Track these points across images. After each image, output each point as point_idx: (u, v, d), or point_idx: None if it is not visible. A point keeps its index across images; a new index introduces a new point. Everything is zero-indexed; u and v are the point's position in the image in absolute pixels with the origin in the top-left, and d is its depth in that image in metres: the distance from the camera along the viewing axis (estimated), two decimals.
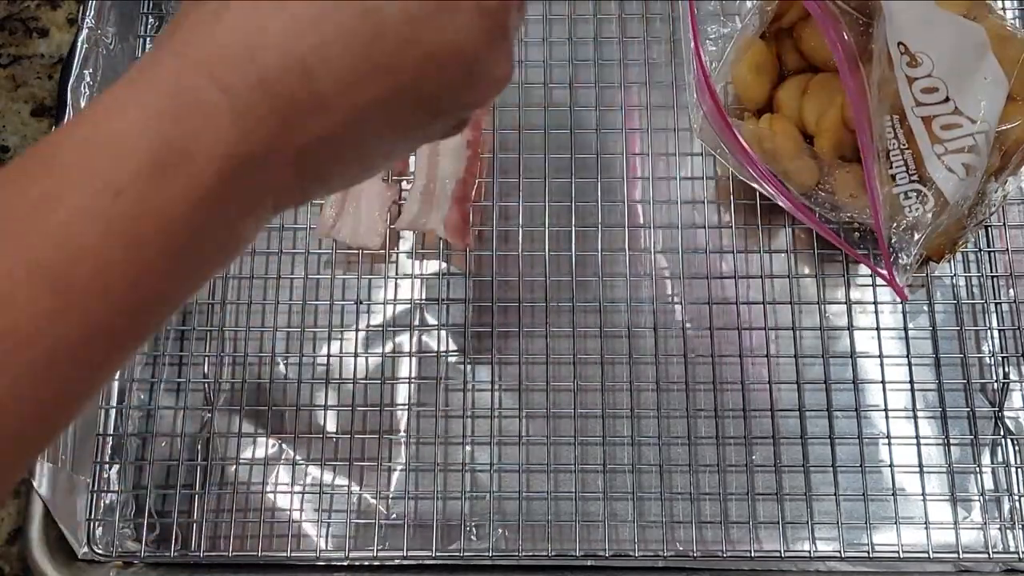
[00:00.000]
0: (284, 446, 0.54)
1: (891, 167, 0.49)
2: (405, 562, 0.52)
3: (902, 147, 0.49)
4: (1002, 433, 0.53)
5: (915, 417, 0.53)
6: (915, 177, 0.49)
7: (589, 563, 0.51)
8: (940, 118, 0.49)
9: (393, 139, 0.30)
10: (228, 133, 0.26)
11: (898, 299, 0.53)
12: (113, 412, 0.54)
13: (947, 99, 0.49)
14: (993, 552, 0.51)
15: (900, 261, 0.49)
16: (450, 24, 0.28)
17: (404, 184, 0.57)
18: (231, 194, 0.27)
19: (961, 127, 0.49)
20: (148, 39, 0.61)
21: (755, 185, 0.53)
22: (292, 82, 0.26)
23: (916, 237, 0.49)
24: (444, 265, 0.56)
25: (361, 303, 0.56)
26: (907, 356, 0.54)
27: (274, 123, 0.27)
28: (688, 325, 0.55)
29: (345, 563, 0.52)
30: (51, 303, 0.24)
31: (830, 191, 0.51)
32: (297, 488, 0.53)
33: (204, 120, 0.26)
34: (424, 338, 0.55)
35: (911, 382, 0.53)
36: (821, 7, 0.49)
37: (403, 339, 0.55)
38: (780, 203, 0.52)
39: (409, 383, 0.55)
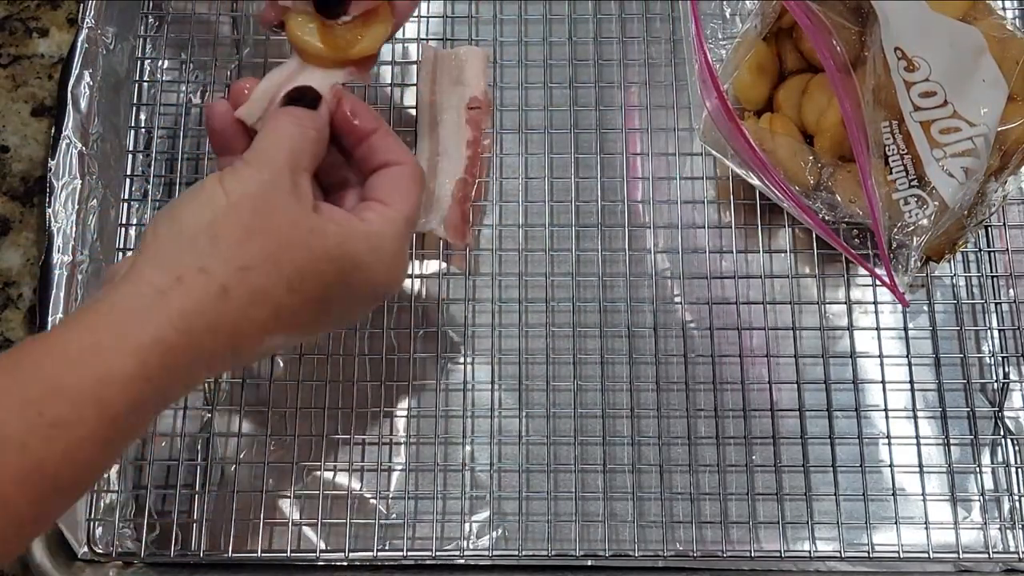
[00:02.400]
0: (284, 446, 0.54)
1: (890, 172, 0.49)
2: (405, 562, 0.52)
3: (901, 152, 0.49)
4: (1002, 433, 0.53)
5: (915, 417, 0.53)
6: (915, 182, 0.49)
7: (589, 563, 0.51)
8: (939, 122, 0.49)
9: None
10: (197, 381, 0.39)
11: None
12: None
13: (945, 103, 0.49)
14: (993, 552, 0.51)
15: (900, 266, 0.49)
16: (363, 307, 0.45)
17: None
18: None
19: (960, 131, 0.49)
20: (148, 39, 0.61)
21: (756, 183, 0.53)
22: (250, 351, 0.39)
23: (916, 242, 0.49)
24: (444, 265, 0.56)
25: None
26: (907, 356, 0.54)
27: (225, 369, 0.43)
28: (688, 325, 0.55)
29: (345, 563, 0.52)
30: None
31: (830, 191, 0.51)
32: (297, 488, 0.53)
33: (184, 375, 0.37)
34: (424, 338, 0.55)
35: (911, 382, 0.53)
36: (811, 18, 0.49)
37: (403, 339, 0.55)
38: (785, 206, 0.52)
39: (409, 383, 0.55)
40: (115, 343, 0.34)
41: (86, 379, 0.33)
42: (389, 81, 0.60)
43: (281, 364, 0.55)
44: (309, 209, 0.39)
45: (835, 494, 0.52)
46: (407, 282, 0.56)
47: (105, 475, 0.53)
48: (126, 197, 0.58)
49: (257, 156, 0.39)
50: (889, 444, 0.53)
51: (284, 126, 0.41)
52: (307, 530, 0.53)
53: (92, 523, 0.52)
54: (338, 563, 0.52)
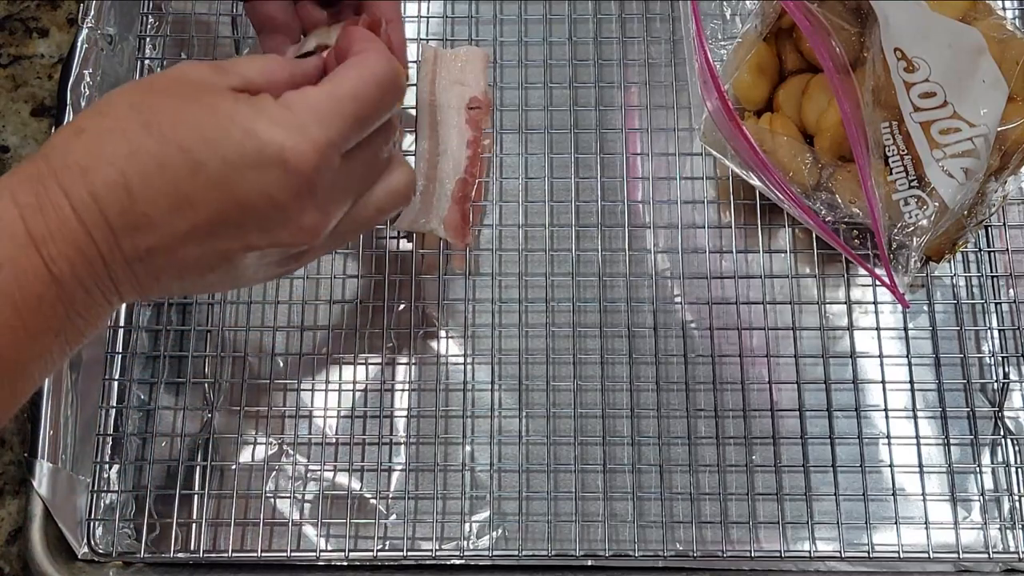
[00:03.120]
0: (284, 446, 0.54)
1: (890, 173, 0.49)
2: (405, 562, 0.52)
3: (901, 152, 0.49)
4: (1002, 433, 0.53)
5: (915, 417, 0.53)
6: (914, 182, 0.49)
7: (589, 563, 0.51)
8: (938, 123, 0.49)
9: (219, 263, 0.37)
10: (76, 232, 0.33)
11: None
12: (113, 412, 0.54)
13: (945, 103, 0.49)
14: (993, 552, 0.51)
15: (900, 267, 0.49)
16: (257, 177, 0.35)
17: None
18: (78, 280, 0.34)
19: (960, 131, 0.49)
20: (148, 39, 0.61)
21: (756, 183, 0.53)
22: (119, 199, 0.34)
23: (916, 242, 0.49)
24: (444, 265, 0.56)
25: (361, 303, 0.56)
26: (907, 356, 0.54)
27: (106, 231, 0.34)
28: (688, 325, 0.55)
29: (345, 563, 0.52)
30: None
31: (830, 191, 0.51)
32: (297, 488, 0.53)
33: (57, 219, 0.33)
34: (424, 338, 0.55)
35: (911, 382, 0.53)
36: (810, 19, 0.49)
37: (403, 339, 0.55)
38: (785, 206, 0.52)
39: (409, 383, 0.55)
40: None
41: None
42: None
43: (281, 364, 0.55)
44: (217, 84, 0.36)
45: (835, 494, 0.52)
46: (407, 283, 0.56)
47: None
48: None
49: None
50: (889, 444, 0.53)
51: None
52: (307, 530, 0.53)
53: (92, 523, 0.52)
54: (338, 563, 0.52)
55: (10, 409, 0.35)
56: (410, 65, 0.60)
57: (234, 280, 0.39)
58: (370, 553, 0.52)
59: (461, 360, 0.55)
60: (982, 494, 0.52)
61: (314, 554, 0.52)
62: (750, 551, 0.51)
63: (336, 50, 0.41)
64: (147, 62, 0.60)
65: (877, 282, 0.54)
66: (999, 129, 0.49)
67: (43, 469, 0.51)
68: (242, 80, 0.37)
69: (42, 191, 0.33)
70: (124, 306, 0.56)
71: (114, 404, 0.54)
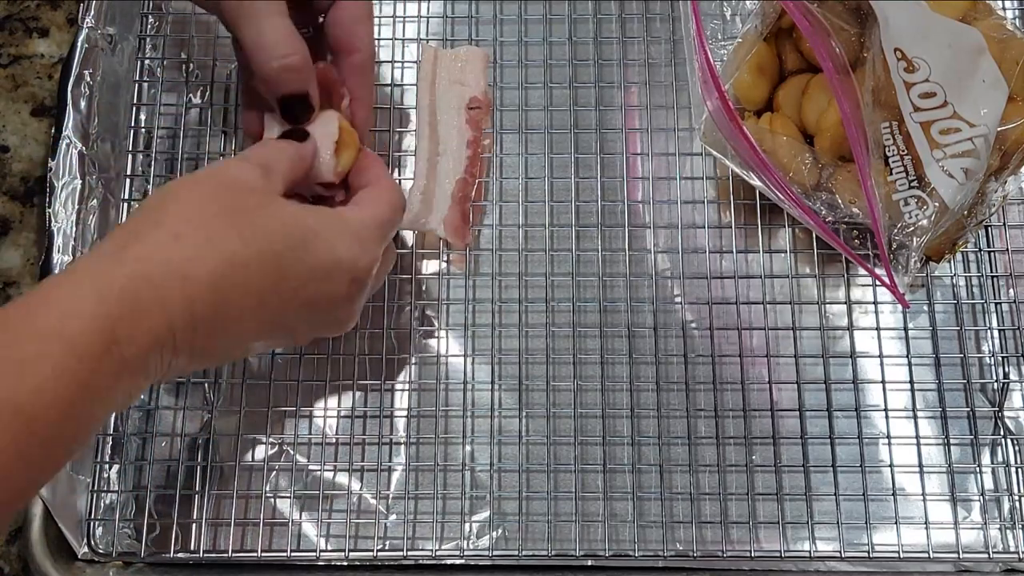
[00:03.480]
0: (284, 446, 0.54)
1: (890, 173, 0.49)
2: (405, 562, 0.52)
3: (901, 153, 0.49)
4: (1002, 433, 0.53)
5: (915, 417, 0.53)
6: (914, 183, 0.49)
7: (589, 563, 0.51)
8: (938, 123, 0.49)
9: (264, 347, 0.48)
10: (158, 330, 0.36)
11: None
12: (113, 413, 0.54)
13: (945, 103, 0.49)
14: (993, 552, 0.51)
15: (900, 267, 0.49)
16: (329, 284, 0.42)
17: (405, 184, 0.57)
18: (141, 362, 0.36)
19: (960, 131, 0.49)
20: (148, 39, 0.61)
21: (756, 183, 0.53)
22: (212, 302, 0.38)
23: (916, 243, 0.49)
24: (444, 265, 0.56)
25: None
26: (907, 356, 0.54)
27: (190, 331, 0.37)
28: (688, 325, 0.55)
29: (345, 563, 0.52)
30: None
31: (830, 191, 0.51)
32: (297, 488, 0.53)
33: (142, 318, 0.36)
34: (424, 338, 0.55)
35: (911, 382, 0.53)
36: (809, 20, 0.49)
37: (403, 339, 0.55)
38: (785, 207, 0.52)
39: (408, 383, 0.55)
40: (75, 286, 0.36)
41: (51, 316, 0.34)
42: (389, 81, 0.60)
43: (281, 364, 0.55)
44: (273, 190, 0.42)
45: (835, 494, 0.52)
46: (407, 283, 0.56)
47: (101, 467, 0.53)
48: (126, 197, 0.58)
49: (242, 155, 0.45)
50: (889, 444, 0.53)
51: (271, 142, 0.47)
52: (307, 530, 0.53)
53: (92, 523, 0.52)
54: (338, 563, 0.52)
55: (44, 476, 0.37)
56: (409, 65, 0.60)
57: (258, 352, 0.50)
58: (370, 553, 0.52)
59: (461, 360, 0.55)
60: (982, 494, 0.52)
61: (314, 554, 0.52)
62: (750, 551, 0.51)
63: (353, 172, 0.48)
64: (147, 62, 0.60)
65: (877, 282, 0.54)
66: (999, 129, 0.49)
67: None
68: (283, 184, 0.43)
69: (131, 290, 0.36)
70: None
71: None
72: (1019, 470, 0.53)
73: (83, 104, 0.57)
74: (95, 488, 0.53)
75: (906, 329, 0.55)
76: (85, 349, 0.34)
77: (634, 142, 0.58)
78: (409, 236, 0.57)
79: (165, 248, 0.37)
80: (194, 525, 0.52)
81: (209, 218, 0.39)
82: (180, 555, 0.52)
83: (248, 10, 0.46)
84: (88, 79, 0.57)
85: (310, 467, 0.53)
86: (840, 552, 0.51)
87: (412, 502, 0.53)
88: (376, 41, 0.52)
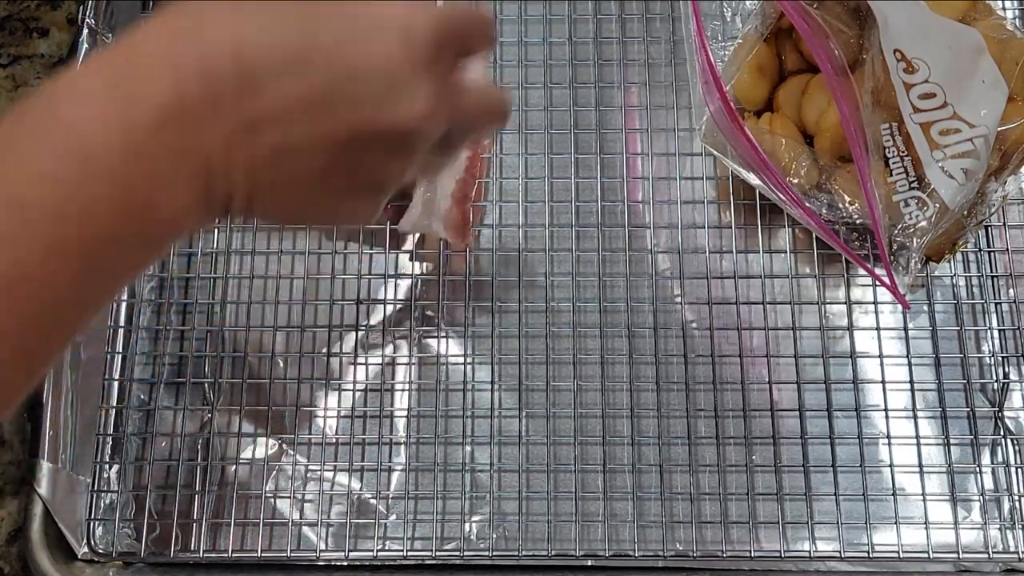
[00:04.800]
0: (284, 446, 0.54)
1: (890, 174, 0.49)
2: (405, 562, 0.52)
3: (901, 154, 0.49)
4: (1002, 433, 0.53)
5: (915, 417, 0.53)
6: (914, 183, 0.49)
7: (589, 563, 0.51)
8: (938, 123, 0.49)
9: (325, 160, 0.32)
10: (167, 89, 0.29)
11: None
12: (113, 412, 0.54)
13: (945, 104, 0.49)
14: (993, 552, 0.51)
15: (900, 267, 0.49)
16: (372, 45, 0.31)
17: None
18: (164, 141, 0.29)
19: (960, 132, 0.49)
20: None
21: (756, 183, 0.53)
22: (230, 57, 0.29)
23: (916, 243, 0.49)
24: (444, 265, 0.56)
25: (361, 303, 0.56)
26: (907, 356, 0.54)
27: (211, 93, 0.29)
28: (688, 325, 0.55)
29: (345, 563, 0.52)
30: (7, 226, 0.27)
31: (830, 191, 0.51)
32: (297, 488, 0.53)
33: (148, 77, 0.29)
34: (424, 338, 0.55)
35: (911, 382, 0.53)
36: (808, 21, 0.49)
37: (403, 339, 0.55)
38: (786, 207, 0.52)
39: (408, 383, 0.55)
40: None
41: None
42: None
43: (281, 364, 0.55)
44: None
45: (835, 494, 0.52)
46: (407, 282, 0.56)
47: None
48: None
49: None
50: (889, 444, 0.53)
51: None
52: (307, 530, 0.53)
53: (92, 523, 0.52)
54: (338, 563, 0.52)
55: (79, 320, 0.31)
56: None
57: (325, 201, 0.35)
58: (370, 553, 0.52)
59: (461, 360, 0.55)
60: (982, 494, 0.52)
61: (314, 554, 0.52)
62: (750, 551, 0.51)
63: None
64: None
65: (877, 282, 0.54)
66: (999, 129, 0.49)
67: (43, 469, 0.51)
68: None
69: (131, 56, 0.29)
70: (124, 306, 0.56)
71: (114, 404, 0.54)
72: (1019, 470, 0.53)
73: None
74: (95, 488, 0.53)
75: (906, 329, 0.55)
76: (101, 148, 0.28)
77: (634, 142, 0.58)
78: (409, 236, 0.57)
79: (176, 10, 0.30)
80: (194, 525, 0.52)
81: None
82: (180, 555, 0.52)
83: None
84: None
85: (310, 467, 0.53)
86: (840, 552, 0.51)
87: (412, 502, 0.53)
88: None
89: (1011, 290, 0.55)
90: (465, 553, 0.52)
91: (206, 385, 0.55)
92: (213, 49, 0.29)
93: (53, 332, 0.30)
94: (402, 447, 0.54)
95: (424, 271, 0.57)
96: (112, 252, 0.29)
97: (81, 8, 0.58)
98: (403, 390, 0.55)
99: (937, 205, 0.48)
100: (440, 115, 0.34)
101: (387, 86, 0.32)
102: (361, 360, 0.55)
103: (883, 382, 0.53)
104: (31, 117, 0.29)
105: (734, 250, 0.56)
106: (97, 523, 0.52)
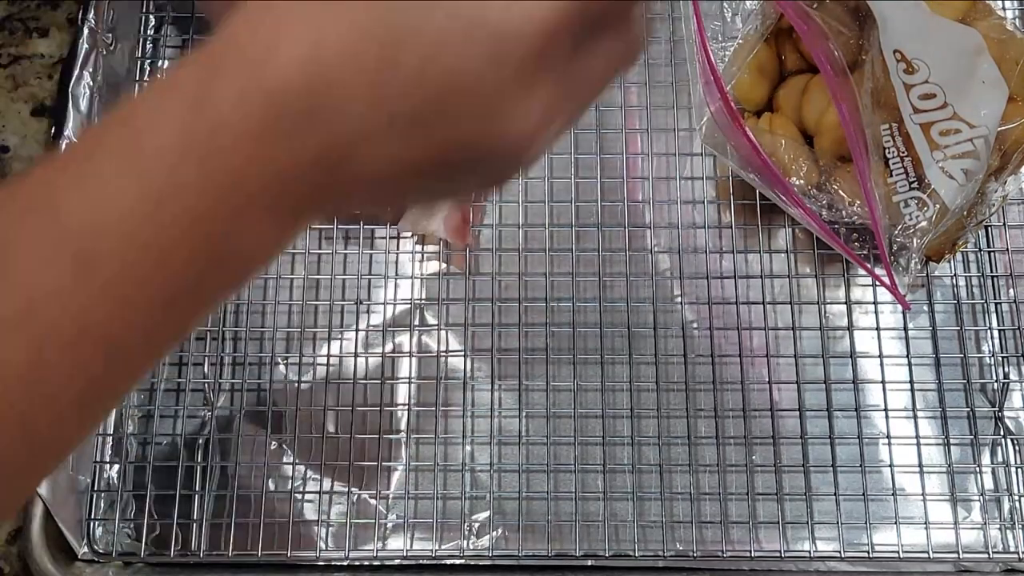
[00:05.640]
0: (284, 446, 0.54)
1: (890, 175, 0.49)
2: (405, 562, 0.52)
3: (901, 154, 0.49)
4: (1002, 433, 0.53)
5: (915, 417, 0.53)
6: (915, 184, 0.49)
7: (589, 563, 0.51)
8: (938, 124, 0.49)
9: (427, 174, 0.28)
10: (242, 117, 0.26)
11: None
12: (113, 412, 0.54)
13: (945, 104, 0.49)
14: (993, 552, 0.51)
15: (901, 268, 0.49)
16: (463, 61, 0.26)
17: None
18: (244, 174, 0.26)
19: (960, 132, 0.49)
20: (148, 39, 0.61)
21: (758, 182, 0.53)
22: (310, 75, 0.26)
23: (916, 244, 0.49)
24: (444, 265, 0.56)
25: (361, 303, 0.56)
26: (907, 356, 0.54)
27: (289, 120, 0.26)
28: (688, 325, 0.55)
29: (345, 563, 0.52)
30: (73, 277, 0.25)
31: (830, 191, 0.51)
32: (297, 488, 0.53)
33: (225, 99, 0.25)
34: (424, 338, 0.55)
35: (911, 382, 0.53)
36: (807, 22, 0.49)
37: (403, 339, 0.55)
38: (788, 208, 0.52)
39: (409, 383, 0.55)
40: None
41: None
42: None
43: (281, 365, 0.55)
44: None
45: (835, 494, 0.52)
46: (407, 282, 0.56)
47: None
48: None
49: None
50: (889, 444, 0.53)
51: None
52: (307, 530, 0.53)
53: (92, 523, 0.52)
54: (338, 563, 0.52)
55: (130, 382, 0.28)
56: None
57: (434, 194, 0.32)
58: (370, 553, 0.52)
59: (461, 359, 0.55)
60: (982, 494, 0.52)
61: (314, 554, 0.52)
62: (750, 551, 0.51)
63: None
64: (147, 62, 0.60)
65: (877, 282, 0.54)
66: (999, 129, 0.49)
67: None
68: None
69: (209, 73, 0.26)
70: None
71: None
72: (1019, 470, 0.53)
73: (83, 104, 0.57)
74: (95, 488, 0.53)
75: (906, 329, 0.55)
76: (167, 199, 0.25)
77: (634, 142, 0.58)
78: (409, 236, 0.57)
79: (257, 15, 0.27)
80: (194, 525, 0.52)
81: None
82: (180, 555, 0.52)
83: None
84: (88, 79, 0.57)
85: (310, 468, 0.53)
86: (840, 552, 0.51)
87: (412, 502, 0.53)
88: None
89: (1011, 290, 0.55)
90: (465, 553, 0.52)
91: (206, 386, 0.55)
92: (289, 67, 0.26)
93: (120, 384, 0.28)
94: (402, 447, 0.54)
95: (424, 271, 0.56)
96: (187, 301, 0.27)
97: (81, 8, 0.58)
98: (403, 390, 0.54)
99: (937, 205, 0.48)
100: (558, 119, 0.29)
101: (485, 107, 0.28)
102: (361, 360, 0.55)
103: (883, 382, 0.53)
104: (112, 139, 0.26)
105: (734, 250, 0.56)
106: (97, 523, 0.52)
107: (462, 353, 0.55)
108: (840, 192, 0.51)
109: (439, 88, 0.27)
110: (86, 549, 0.52)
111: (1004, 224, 0.56)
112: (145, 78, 0.60)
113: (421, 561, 0.52)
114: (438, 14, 0.26)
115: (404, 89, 0.26)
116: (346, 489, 0.53)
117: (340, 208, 0.29)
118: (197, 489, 0.53)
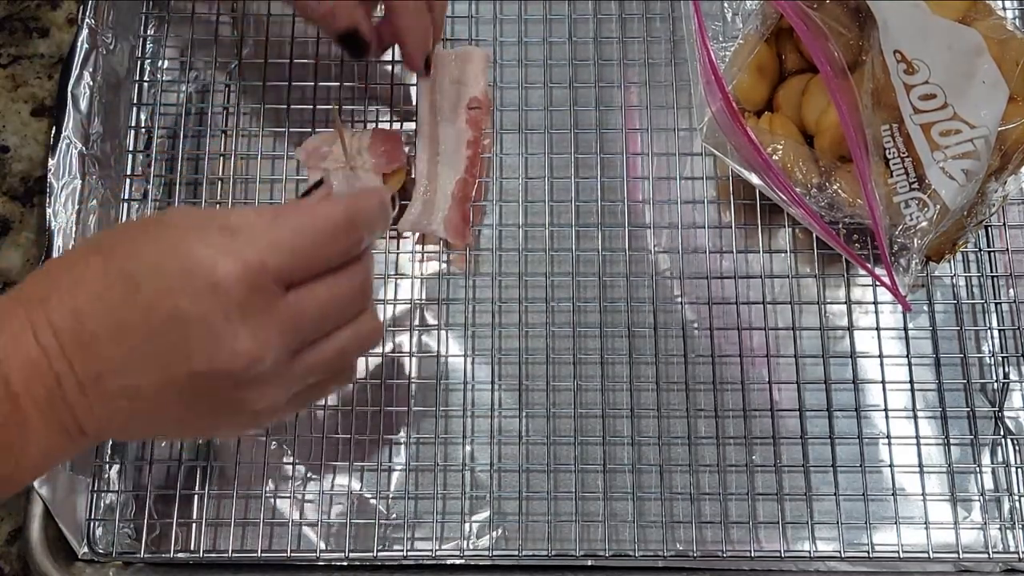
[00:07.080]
0: (284, 446, 0.54)
1: (891, 175, 0.49)
2: (405, 562, 0.52)
3: (901, 155, 0.49)
4: (1002, 433, 0.53)
5: (915, 417, 0.53)
6: (915, 184, 0.49)
7: (589, 563, 0.51)
8: (939, 124, 0.49)
9: (170, 398, 0.36)
10: (34, 356, 0.35)
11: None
12: None
13: (945, 105, 0.49)
14: (993, 552, 0.51)
15: (901, 268, 0.49)
16: (189, 297, 0.34)
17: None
18: (33, 401, 0.35)
19: (960, 132, 0.49)
20: (148, 39, 0.61)
21: (756, 183, 0.53)
22: (71, 325, 0.35)
23: (917, 244, 0.49)
24: (444, 265, 0.56)
25: None
26: (907, 356, 0.54)
27: (60, 354, 0.35)
28: (689, 325, 0.55)
29: (345, 563, 0.52)
30: None
31: (830, 191, 0.51)
32: (297, 488, 0.53)
33: (16, 345, 0.35)
34: (424, 338, 0.55)
35: (911, 382, 0.53)
36: (807, 23, 0.49)
37: (403, 339, 0.55)
38: (787, 207, 0.52)
39: (409, 383, 0.55)
40: None
41: None
42: (389, 81, 0.60)
43: None
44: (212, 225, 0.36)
45: (835, 494, 0.52)
46: (407, 282, 0.56)
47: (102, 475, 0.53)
48: (126, 197, 0.58)
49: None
50: (889, 444, 0.53)
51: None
52: (307, 530, 0.53)
53: (92, 523, 0.52)
54: (338, 563, 0.52)
55: None
56: None
57: (196, 423, 0.39)
58: (370, 553, 0.52)
59: (461, 360, 0.55)
60: (982, 494, 0.52)
61: (314, 554, 0.52)
62: (750, 551, 0.51)
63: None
64: (147, 62, 0.60)
65: (877, 282, 0.54)
66: (999, 129, 0.49)
67: None
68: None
69: (7, 322, 0.35)
70: None
71: None
72: (1019, 470, 0.53)
73: (83, 104, 0.57)
74: (95, 488, 0.53)
75: (906, 329, 0.55)
76: None
77: (634, 142, 0.58)
78: (409, 236, 0.57)
79: (34, 277, 0.37)
80: (194, 525, 0.52)
81: (82, 247, 0.38)
82: (180, 555, 0.52)
83: None
84: (88, 79, 0.57)
85: (310, 468, 0.53)
86: (840, 552, 0.51)
87: (412, 502, 0.53)
88: None
89: (1011, 290, 0.55)
90: (465, 553, 0.52)
91: None
92: (57, 317, 0.35)
93: None
94: (402, 447, 0.54)
95: (424, 271, 0.56)
96: None
97: (81, 8, 0.58)
98: (403, 390, 0.54)
99: (938, 206, 0.48)
100: (275, 345, 0.36)
101: (207, 333, 0.35)
102: (361, 360, 0.55)
103: (883, 382, 0.53)
104: None
105: (734, 250, 0.56)
106: (97, 523, 0.52)
107: (462, 353, 0.55)
108: (840, 192, 0.51)
109: (165, 323, 0.35)
110: (86, 549, 0.52)
111: (1004, 224, 0.56)
112: (145, 78, 0.60)
113: (421, 561, 0.52)
114: (166, 261, 0.35)
115: (139, 327, 0.35)
116: (346, 489, 0.53)
117: (125, 432, 0.40)
118: (197, 489, 0.53)
